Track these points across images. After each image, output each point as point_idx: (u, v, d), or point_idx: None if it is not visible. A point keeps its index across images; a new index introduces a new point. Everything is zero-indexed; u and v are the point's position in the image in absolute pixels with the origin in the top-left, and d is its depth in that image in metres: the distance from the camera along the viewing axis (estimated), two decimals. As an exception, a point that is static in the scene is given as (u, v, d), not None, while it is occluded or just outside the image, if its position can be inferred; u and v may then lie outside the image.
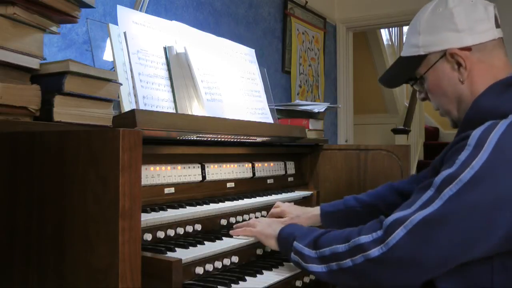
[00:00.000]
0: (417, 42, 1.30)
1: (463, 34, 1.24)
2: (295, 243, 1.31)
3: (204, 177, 1.72)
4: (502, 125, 1.11)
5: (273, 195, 1.97)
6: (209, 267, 1.33)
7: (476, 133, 1.11)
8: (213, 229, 1.59)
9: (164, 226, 1.40)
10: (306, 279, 1.49)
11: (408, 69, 1.36)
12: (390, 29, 6.56)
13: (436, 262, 1.10)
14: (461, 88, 1.27)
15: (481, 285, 1.14)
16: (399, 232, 1.10)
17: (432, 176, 1.16)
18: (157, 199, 1.53)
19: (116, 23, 1.56)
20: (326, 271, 1.23)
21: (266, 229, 1.48)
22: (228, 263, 1.40)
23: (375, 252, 1.12)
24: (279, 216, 1.73)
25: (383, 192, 1.71)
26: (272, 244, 1.45)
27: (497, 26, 1.27)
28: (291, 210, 1.74)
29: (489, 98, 1.20)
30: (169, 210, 1.45)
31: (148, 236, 1.34)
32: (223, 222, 1.64)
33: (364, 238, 1.15)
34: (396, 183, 1.73)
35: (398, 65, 1.39)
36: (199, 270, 1.30)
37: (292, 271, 1.44)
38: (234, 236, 1.51)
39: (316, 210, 1.75)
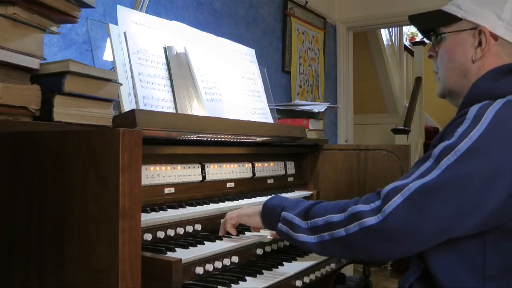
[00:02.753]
0: (462, 5, 1.34)
1: (501, 23, 1.28)
2: (284, 213, 1.31)
3: (204, 177, 1.72)
4: (498, 103, 1.16)
5: (273, 195, 1.97)
6: (209, 267, 1.33)
7: (474, 108, 1.17)
8: (213, 229, 1.59)
9: (164, 226, 1.40)
10: (306, 279, 1.49)
11: (438, 22, 1.39)
12: (390, 29, 6.55)
13: (429, 233, 1.10)
14: (470, 66, 1.32)
15: (474, 264, 1.15)
16: (396, 200, 1.11)
17: None
18: (157, 199, 1.53)
19: (116, 23, 1.56)
20: (316, 242, 1.22)
21: (245, 210, 1.50)
22: (228, 263, 1.40)
23: (371, 220, 1.12)
24: None
25: None
26: (256, 220, 1.45)
27: None
28: None
29: (487, 82, 1.26)
30: (169, 210, 1.45)
31: (148, 236, 1.34)
32: (223, 222, 1.64)
33: (362, 207, 1.15)
34: None
35: (433, 14, 1.42)
36: (199, 270, 1.30)
37: (292, 271, 1.43)
38: (233, 236, 1.51)
39: None
